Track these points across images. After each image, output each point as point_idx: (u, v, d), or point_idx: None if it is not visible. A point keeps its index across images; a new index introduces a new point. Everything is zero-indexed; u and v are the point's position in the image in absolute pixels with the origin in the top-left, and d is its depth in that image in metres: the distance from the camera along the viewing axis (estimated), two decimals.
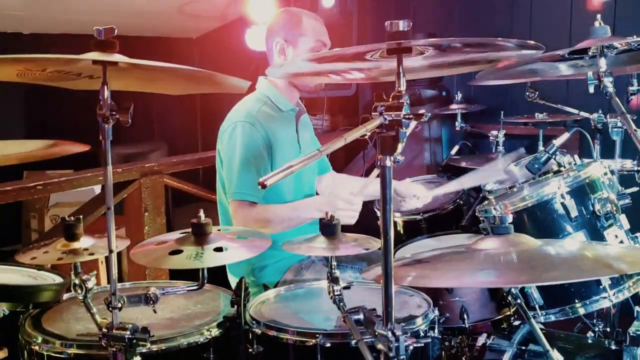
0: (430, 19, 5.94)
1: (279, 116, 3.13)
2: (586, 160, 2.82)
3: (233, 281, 3.19)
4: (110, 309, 1.78)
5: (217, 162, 3.17)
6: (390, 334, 1.60)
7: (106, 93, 1.70)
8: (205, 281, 2.10)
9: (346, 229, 2.16)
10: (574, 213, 2.49)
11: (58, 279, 2.39)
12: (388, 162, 1.58)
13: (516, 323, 2.77)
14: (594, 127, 3.15)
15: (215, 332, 2.11)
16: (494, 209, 2.56)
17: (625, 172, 2.73)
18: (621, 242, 2.51)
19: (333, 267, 2.02)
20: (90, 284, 1.85)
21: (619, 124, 2.88)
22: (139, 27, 6.18)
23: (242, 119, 3.01)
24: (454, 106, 4.93)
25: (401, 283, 1.79)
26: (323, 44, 3.13)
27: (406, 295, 2.40)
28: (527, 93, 3.74)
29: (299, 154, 3.13)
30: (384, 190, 1.60)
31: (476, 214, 2.74)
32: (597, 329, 3.16)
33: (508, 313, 2.77)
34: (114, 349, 1.78)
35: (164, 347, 2.01)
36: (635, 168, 1.59)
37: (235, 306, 2.13)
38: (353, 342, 1.94)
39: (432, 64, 1.89)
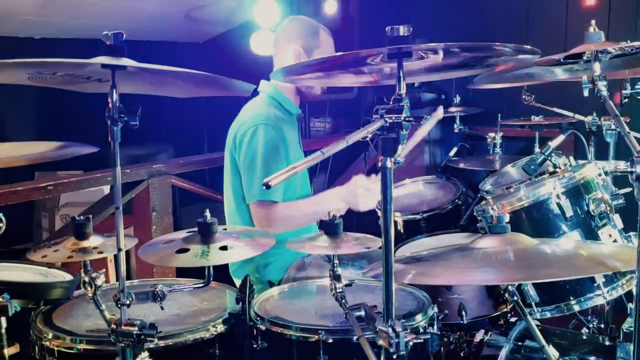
0: (430, 24, 5.94)
1: (288, 119, 3.14)
2: (581, 162, 2.82)
3: (237, 283, 3.19)
4: (119, 305, 1.78)
5: (227, 165, 3.17)
6: (390, 330, 1.60)
7: (115, 96, 1.70)
8: (211, 279, 2.10)
9: (348, 228, 2.15)
10: (569, 213, 2.48)
11: (68, 277, 2.40)
12: (389, 164, 1.57)
13: (513, 320, 2.77)
14: (589, 130, 3.15)
15: (220, 328, 2.11)
16: (492, 208, 2.55)
17: (618, 173, 2.73)
18: (615, 241, 2.51)
19: (335, 265, 2.02)
20: (99, 282, 1.85)
21: (613, 127, 2.88)
22: (146, 32, 6.19)
23: (263, 122, 3.01)
24: (452, 109, 4.93)
25: (401, 281, 1.78)
26: None
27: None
28: (524, 96, 3.74)
29: (302, 156, 3.14)
30: (385, 191, 1.60)
31: (474, 213, 2.73)
32: (591, 325, 3.15)
33: (505, 310, 2.77)
34: (123, 345, 1.78)
35: (170, 343, 2.01)
36: (629, 169, 1.59)
37: (240, 303, 2.14)
38: (355, 338, 1.94)
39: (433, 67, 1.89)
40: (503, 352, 2.49)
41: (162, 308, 2.06)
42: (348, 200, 2.90)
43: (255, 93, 3.22)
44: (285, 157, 3.02)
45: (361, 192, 2.87)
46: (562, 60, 2.38)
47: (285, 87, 3.18)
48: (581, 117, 3.31)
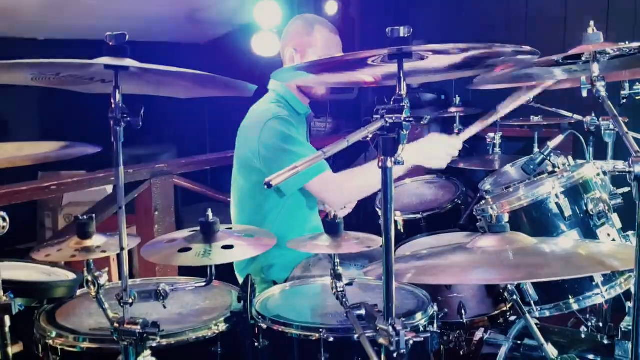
0: (430, 25, 5.94)
1: (296, 118, 3.13)
2: (580, 162, 2.81)
3: (239, 277, 3.20)
4: (122, 304, 1.79)
5: (236, 165, 3.16)
6: (391, 328, 1.60)
7: (118, 97, 1.70)
8: (213, 278, 2.10)
9: (348, 227, 2.15)
10: (567, 212, 2.48)
11: (71, 276, 2.40)
12: (389, 164, 1.57)
13: (512, 318, 2.77)
14: (587, 130, 3.14)
15: (222, 327, 2.11)
16: (491, 208, 2.55)
17: (617, 173, 2.72)
18: (613, 240, 2.51)
19: (336, 264, 2.02)
20: (102, 281, 1.85)
21: (611, 127, 2.87)
22: (149, 33, 6.18)
23: (274, 116, 3.01)
24: (452, 109, 4.92)
25: (401, 280, 1.78)
26: None
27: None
28: None
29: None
30: (385, 191, 1.59)
31: (474, 213, 2.73)
32: (590, 324, 3.15)
33: (504, 309, 2.77)
34: (125, 343, 1.78)
35: (173, 342, 2.01)
36: (627, 169, 1.58)
37: (242, 302, 2.14)
38: (355, 336, 1.94)
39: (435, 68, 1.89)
40: (502, 351, 2.49)
41: (164, 307, 2.06)
42: (424, 155, 2.89)
43: (265, 91, 3.22)
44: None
45: (443, 149, 2.90)
46: (561, 61, 2.38)
47: (294, 87, 3.17)
48: (580, 118, 3.31)
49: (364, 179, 2.99)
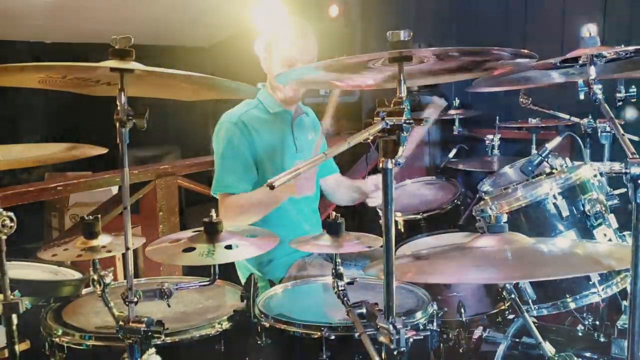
0: (430, 29, 5.94)
1: (268, 118, 3.10)
2: (577, 163, 2.81)
3: (242, 276, 3.19)
4: (127, 303, 1.78)
5: None
6: (391, 327, 1.60)
7: (123, 99, 1.70)
8: (217, 277, 2.10)
9: (349, 228, 2.15)
10: (565, 213, 2.48)
11: (77, 275, 2.40)
12: (390, 165, 1.57)
13: (510, 317, 2.77)
14: (584, 132, 3.15)
15: (225, 325, 2.11)
16: (490, 208, 2.55)
17: (613, 174, 2.73)
18: (610, 240, 2.51)
19: (337, 263, 2.02)
20: (107, 280, 1.85)
21: (608, 129, 2.88)
22: (154, 36, 6.19)
23: (227, 120, 3.08)
24: (451, 112, 4.93)
25: (402, 279, 1.78)
26: (288, 66, 2.97)
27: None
28: (521, 99, 3.73)
29: (294, 155, 3.11)
30: (386, 191, 1.59)
31: (473, 213, 2.73)
32: (587, 322, 3.14)
33: (503, 307, 2.77)
34: (130, 341, 1.78)
35: (177, 339, 2.02)
36: (623, 170, 1.58)
37: (245, 300, 2.14)
38: (356, 334, 1.94)
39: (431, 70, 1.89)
40: (501, 348, 2.49)
41: (168, 305, 2.06)
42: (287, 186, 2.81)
43: None
44: (254, 154, 3.02)
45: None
46: (558, 64, 2.38)
47: (273, 87, 3.14)
48: (577, 120, 3.31)
49: (248, 209, 2.94)
